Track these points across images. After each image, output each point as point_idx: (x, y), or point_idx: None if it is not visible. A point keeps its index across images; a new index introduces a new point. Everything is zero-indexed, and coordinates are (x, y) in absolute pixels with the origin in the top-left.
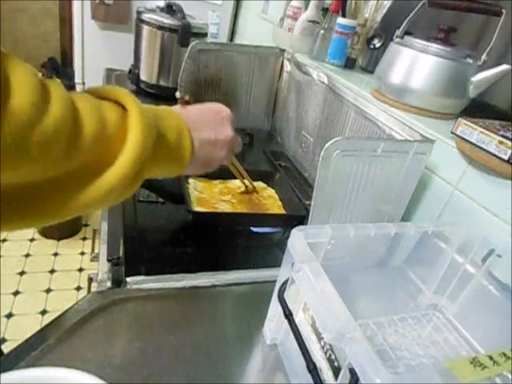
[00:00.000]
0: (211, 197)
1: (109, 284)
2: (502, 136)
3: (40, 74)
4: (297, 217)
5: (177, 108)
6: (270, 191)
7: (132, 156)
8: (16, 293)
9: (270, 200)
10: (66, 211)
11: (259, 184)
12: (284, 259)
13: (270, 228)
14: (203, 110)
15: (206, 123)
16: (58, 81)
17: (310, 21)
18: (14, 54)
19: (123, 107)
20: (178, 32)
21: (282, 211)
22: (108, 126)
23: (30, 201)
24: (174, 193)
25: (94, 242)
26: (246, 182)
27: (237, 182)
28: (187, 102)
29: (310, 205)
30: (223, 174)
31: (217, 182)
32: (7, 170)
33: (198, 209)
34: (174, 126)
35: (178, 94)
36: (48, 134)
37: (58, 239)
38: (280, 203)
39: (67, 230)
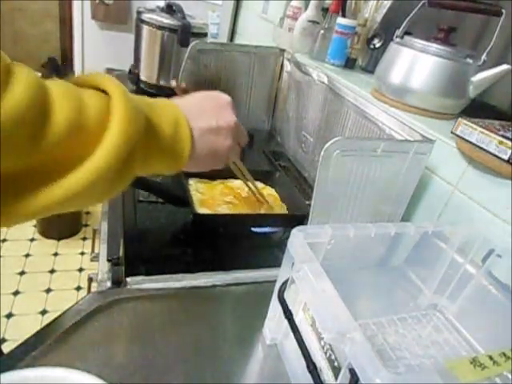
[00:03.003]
0: (212, 198)
1: (109, 284)
2: (502, 136)
3: (39, 75)
4: (299, 216)
5: (173, 99)
6: (270, 190)
7: (113, 145)
8: (16, 293)
9: (270, 199)
10: (36, 209)
11: (258, 184)
12: (284, 259)
13: (270, 228)
14: (201, 97)
15: (206, 111)
16: (31, 70)
17: (310, 21)
18: (14, 53)
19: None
20: (177, 32)
21: (283, 210)
22: (87, 114)
23: None
24: (176, 195)
25: (93, 242)
26: (253, 188)
27: (237, 182)
28: (184, 91)
29: (309, 205)
30: (223, 174)
31: (217, 182)
32: None
33: (200, 211)
34: (169, 115)
35: (173, 83)
36: (6, 117)
37: (58, 239)
38: (281, 202)
39: (67, 230)
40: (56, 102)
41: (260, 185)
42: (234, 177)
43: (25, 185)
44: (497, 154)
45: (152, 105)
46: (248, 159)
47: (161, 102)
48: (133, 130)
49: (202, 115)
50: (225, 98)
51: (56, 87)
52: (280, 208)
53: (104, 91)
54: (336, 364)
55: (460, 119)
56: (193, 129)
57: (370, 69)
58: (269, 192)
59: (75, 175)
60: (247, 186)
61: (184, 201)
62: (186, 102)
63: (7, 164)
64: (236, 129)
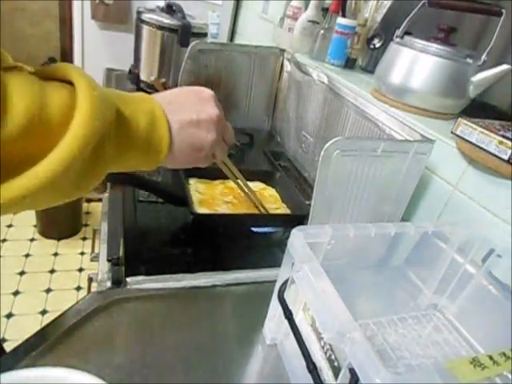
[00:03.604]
0: (212, 198)
1: (109, 284)
2: (502, 136)
3: None
4: (299, 216)
5: (153, 94)
6: (271, 190)
7: (76, 136)
8: (16, 293)
9: (271, 199)
10: None
11: (258, 184)
12: (284, 259)
13: (270, 228)
14: (181, 92)
15: (186, 104)
16: None
17: (310, 21)
18: (14, 53)
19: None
20: (177, 32)
21: (284, 211)
22: (49, 108)
23: None
24: (175, 195)
25: (93, 242)
26: (243, 186)
27: (237, 183)
28: (164, 86)
29: (309, 205)
30: (223, 174)
31: (217, 182)
32: None
33: (200, 210)
34: (144, 109)
35: (152, 78)
36: None
37: (58, 239)
38: (282, 202)
39: (67, 230)
40: (14, 95)
41: (260, 185)
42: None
43: None
44: (497, 154)
45: (125, 98)
46: (248, 159)
47: (137, 95)
48: (99, 122)
49: (182, 108)
50: (207, 91)
51: (14, 80)
52: (281, 208)
53: (70, 82)
54: (336, 364)
55: (460, 119)
56: (171, 122)
57: (370, 69)
58: (269, 192)
59: (39, 167)
60: (238, 186)
61: (184, 201)
62: (166, 96)
63: None
64: (219, 122)
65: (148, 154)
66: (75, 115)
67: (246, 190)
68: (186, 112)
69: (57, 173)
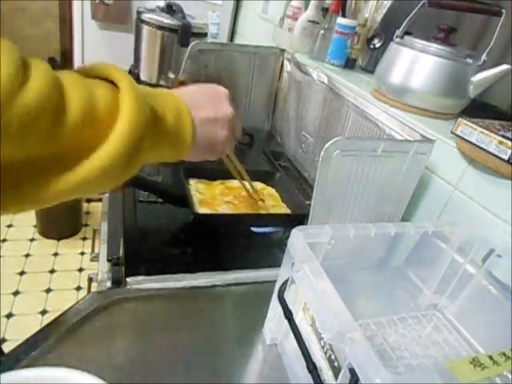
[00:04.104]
0: (212, 198)
1: (109, 284)
2: (502, 136)
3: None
4: (299, 216)
5: (174, 90)
6: (271, 190)
7: (123, 134)
8: (16, 293)
9: (271, 199)
10: (53, 194)
11: (258, 184)
12: (284, 259)
13: (270, 228)
14: (199, 89)
15: (204, 101)
16: (44, 61)
17: (310, 21)
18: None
19: (115, 84)
20: (177, 32)
21: (284, 211)
22: (98, 104)
23: (10, 183)
24: (175, 195)
25: (93, 242)
26: (247, 185)
27: (237, 182)
28: (182, 83)
29: (309, 205)
30: (223, 174)
31: (217, 182)
32: None
33: (200, 210)
34: (171, 104)
35: (171, 75)
36: (28, 109)
37: (58, 239)
38: (281, 202)
39: (67, 230)
40: (69, 91)
41: (260, 185)
42: (233, 176)
43: (43, 171)
44: (497, 154)
45: (153, 94)
46: (248, 159)
47: (162, 91)
48: (141, 120)
49: (201, 105)
50: (222, 89)
51: (67, 79)
52: (281, 208)
53: (111, 81)
54: (336, 364)
55: (460, 119)
56: (194, 117)
57: (370, 69)
58: (269, 192)
59: (90, 162)
60: (239, 180)
61: (184, 201)
62: (186, 94)
63: (30, 151)
64: (232, 120)
65: (175, 148)
66: (121, 114)
67: (247, 185)
68: (204, 109)
69: (106, 166)
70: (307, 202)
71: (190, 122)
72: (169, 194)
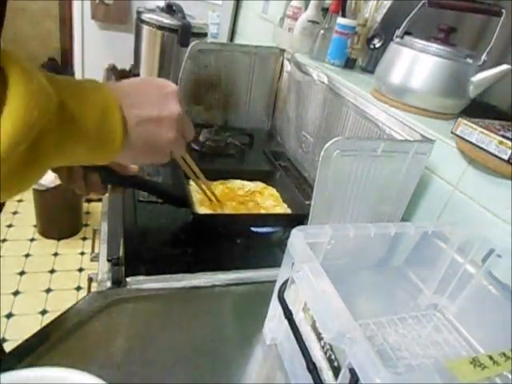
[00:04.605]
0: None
1: (109, 284)
2: (502, 136)
3: None
4: (299, 216)
5: (109, 83)
6: (271, 190)
7: (5, 135)
8: (16, 293)
9: (271, 199)
10: None
11: (258, 184)
12: (284, 259)
13: (270, 228)
14: (143, 83)
15: (147, 98)
16: None
17: (310, 21)
18: None
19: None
20: (177, 32)
21: (285, 210)
22: None
23: None
24: (175, 195)
25: (93, 242)
26: (204, 186)
27: (237, 183)
28: (122, 74)
29: (309, 205)
30: (224, 174)
31: (217, 183)
32: None
33: (200, 211)
34: (95, 100)
35: (105, 65)
36: None
37: (58, 239)
38: (282, 202)
39: (67, 230)
40: None
41: (261, 185)
42: (233, 177)
43: None
44: (497, 154)
45: (73, 88)
46: (248, 159)
47: (89, 85)
48: (34, 117)
49: (142, 102)
50: (171, 86)
51: None
52: (281, 208)
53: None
54: (336, 364)
55: (460, 119)
56: (128, 117)
57: (370, 69)
58: (270, 192)
59: None
60: (195, 182)
61: (183, 201)
62: (125, 87)
63: None
64: (180, 120)
65: (97, 150)
66: (4, 112)
67: (203, 186)
68: (146, 107)
69: None
70: (307, 202)
71: (119, 121)
72: (168, 195)
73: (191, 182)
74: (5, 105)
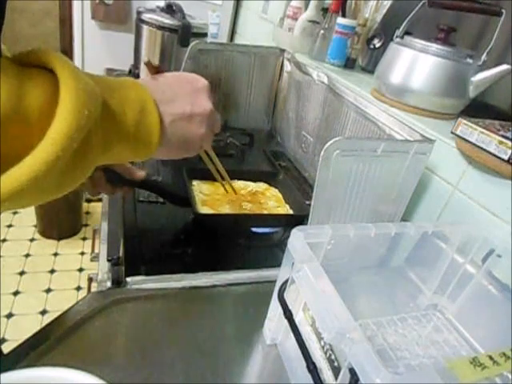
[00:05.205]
0: (215, 199)
1: (109, 284)
2: (502, 136)
3: None
4: (299, 216)
5: (143, 79)
6: (274, 190)
7: (59, 135)
8: (16, 293)
9: (273, 199)
10: None
11: (261, 185)
12: (284, 259)
13: (271, 228)
14: (175, 79)
15: (180, 95)
16: None
17: (310, 21)
18: (13, 54)
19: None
20: (177, 32)
21: (287, 211)
22: (28, 101)
23: None
24: (177, 194)
25: (93, 242)
26: (223, 176)
27: (240, 182)
28: (157, 70)
29: (309, 205)
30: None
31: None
32: None
33: (202, 211)
34: (134, 98)
35: (145, 58)
36: None
37: (58, 239)
38: (284, 203)
39: (67, 230)
40: None
41: (264, 185)
42: (237, 178)
43: None
44: (497, 154)
45: (113, 87)
46: (248, 159)
47: (126, 83)
48: (83, 119)
49: (176, 99)
50: (202, 81)
51: None
52: (284, 209)
53: (49, 69)
54: (336, 364)
55: (460, 119)
56: (163, 114)
57: (369, 69)
58: (273, 193)
59: (19, 169)
60: (216, 176)
61: (184, 200)
62: (159, 84)
63: None
64: (211, 117)
65: (137, 148)
66: (57, 112)
67: (224, 182)
68: (179, 104)
69: (39, 173)
70: (307, 202)
71: (156, 119)
72: (170, 194)
73: (194, 183)
74: (58, 106)
